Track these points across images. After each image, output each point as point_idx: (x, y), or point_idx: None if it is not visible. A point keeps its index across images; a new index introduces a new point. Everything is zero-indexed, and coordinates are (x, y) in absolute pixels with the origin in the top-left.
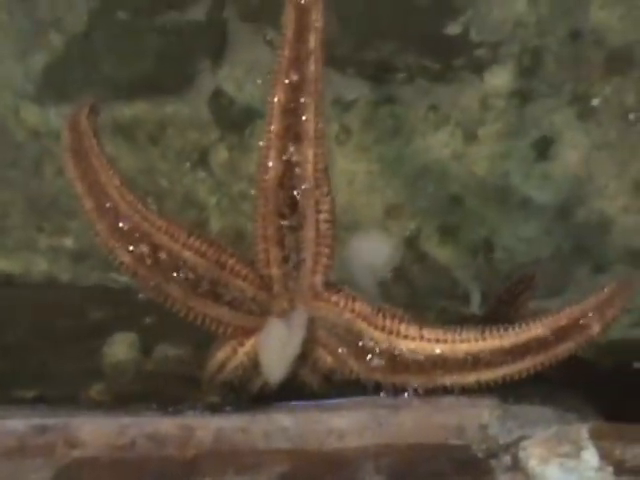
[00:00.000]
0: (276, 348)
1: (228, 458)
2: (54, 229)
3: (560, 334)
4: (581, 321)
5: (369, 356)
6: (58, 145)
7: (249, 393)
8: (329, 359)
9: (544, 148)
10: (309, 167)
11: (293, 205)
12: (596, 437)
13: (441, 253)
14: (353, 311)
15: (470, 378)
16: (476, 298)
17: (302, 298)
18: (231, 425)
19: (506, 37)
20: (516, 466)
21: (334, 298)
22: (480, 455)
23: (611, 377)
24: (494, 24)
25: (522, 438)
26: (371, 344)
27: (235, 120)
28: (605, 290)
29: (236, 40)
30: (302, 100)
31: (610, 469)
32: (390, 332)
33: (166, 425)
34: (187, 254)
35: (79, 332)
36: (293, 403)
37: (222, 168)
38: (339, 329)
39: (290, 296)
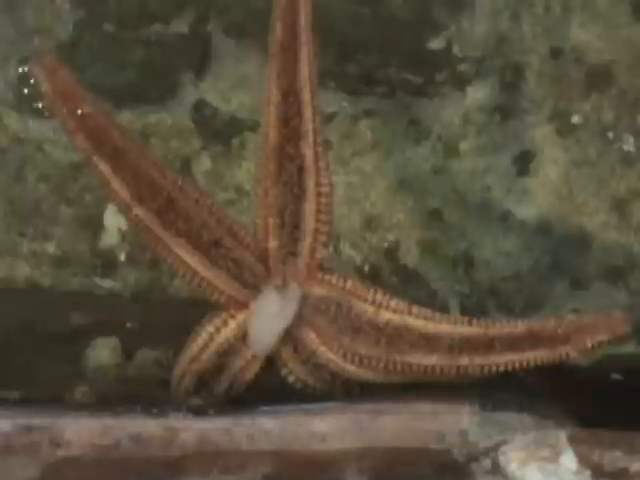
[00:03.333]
0: (267, 318)
1: (212, 459)
2: (36, 234)
3: (540, 340)
4: (561, 337)
5: (357, 330)
6: (39, 151)
7: (216, 394)
8: (314, 339)
9: (525, 163)
10: (309, 138)
11: (294, 176)
12: (574, 442)
13: (420, 266)
14: (345, 288)
15: (449, 361)
16: (455, 310)
17: (297, 275)
18: (215, 427)
19: (489, 53)
20: (496, 470)
21: (327, 277)
22: (460, 459)
23: (589, 387)
24: (477, 40)
25: (502, 443)
26: (360, 318)
27: (219, 130)
28: (597, 316)
29: (220, 53)
30: (298, 78)
31: (588, 472)
32: (380, 306)
33: (150, 426)
34: (196, 209)
35: (62, 336)
36: (277, 407)
37: (206, 177)
38: (330, 307)
39: (285, 272)
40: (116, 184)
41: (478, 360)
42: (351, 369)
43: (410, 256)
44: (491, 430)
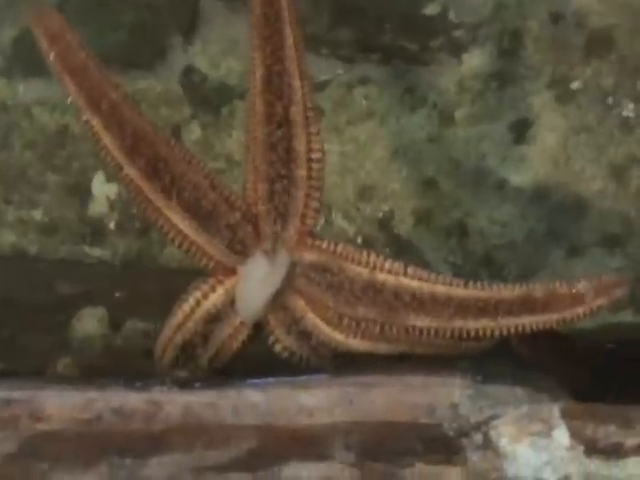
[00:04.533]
0: (255, 283)
1: (196, 433)
2: (22, 201)
3: (536, 305)
4: (558, 302)
5: (352, 294)
6: (26, 118)
7: (201, 364)
8: (303, 306)
9: (522, 131)
10: (299, 106)
11: (283, 142)
12: (567, 416)
13: (414, 234)
14: (337, 252)
15: (443, 323)
16: None
17: (287, 241)
18: (200, 400)
19: (486, 18)
20: (487, 445)
21: (318, 242)
22: (451, 434)
23: (584, 357)
24: (474, 5)
25: (493, 417)
26: (355, 281)
27: (208, 97)
28: (594, 280)
29: (209, 16)
30: (282, 45)
31: (581, 448)
32: (374, 267)
33: (133, 400)
34: (188, 172)
35: (47, 306)
36: (264, 380)
37: (196, 146)
38: (322, 273)
39: (275, 238)
40: (108, 140)
41: (472, 323)
42: (339, 338)
43: (404, 226)
44: (483, 403)
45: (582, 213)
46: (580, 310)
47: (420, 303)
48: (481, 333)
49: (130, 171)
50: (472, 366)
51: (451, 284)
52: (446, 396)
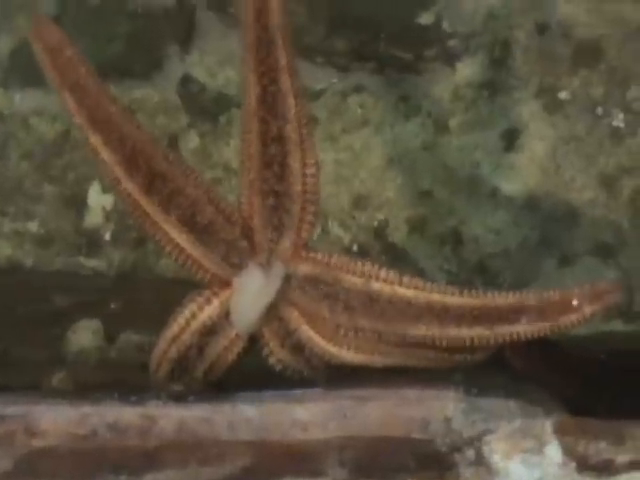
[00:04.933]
0: (250, 295)
1: (191, 449)
2: (18, 213)
3: (531, 313)
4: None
5: (348, 305)
6: (23, 129)
7: (195, 377)
8: (297, 317)
9: (512, 140)
10: (293, 123)
11: (278, 157)
12: (560, 432)
13: (408, 242)
14: (331, 264)
15: (439, 331)
16: None
17: (282, 254)
18: (194, 415)
19: (478, 28)
20: (480, 461)
21: (312, 255)
22: (444, 449)
23: (576, 368)
24: (466, 15)
25: (486, 432)
26: (351, 292)
27: (206, 107)
28: (588, 286)
29: (205, 28)
30: (276, 59)
31: (573, 465)
32: (369, 276)
33: (128, 414)
34: (186, 186)
35: (42, 318)
36: (258, 393)
37: (193, 155)
38: (317, 285)
39: (270, 250)
40: (106, 155)
41: (467, 331)
42: (333, 350)
43: (399, 234)
44: (476, 417)
45: (574, 222)
46: (574, 317)
47: (415, 312)
48: (476, 341)
49: (128, 185)
50: (465, 379)
51: (446, 292)
52: (440, 410)
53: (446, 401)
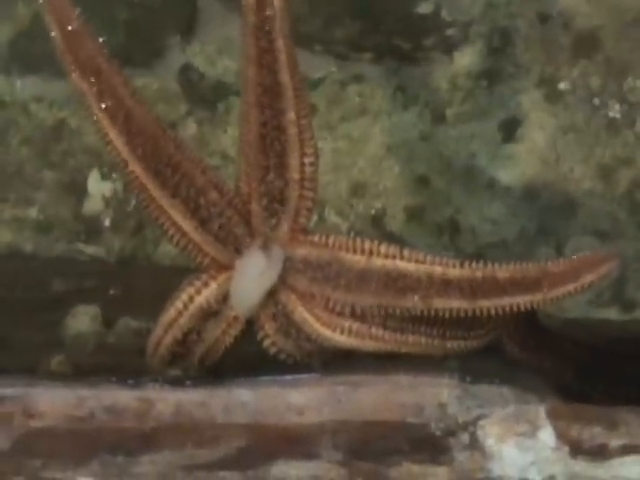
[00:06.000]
0: (251, 277)
1: (187, 432)
2: (18, 199)
3: (528, 283)
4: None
5: (346, 283)
6: (24, 115)
7: (192, 362)
8: (294, 300)
9: (511, 130)
10: (292, 115)
11: (277, 147)
12: (553, 417)
13: (406, 231)
14: (329, 244)
15: (442, 304)
16: None
17: (280, 238)
18: (191, 399)
19: (477, 17)
20: (474, 445)
21: (309, 237)
22: (438, 433)
23: (573, 355)
24: (465, 4)
25: (480, 417)
26: (353, 270)
27: (205, 95)
28: (584, 257)
29: (207, 16)
30: (275, 53)
31: (566, 449)
32: (370, 253)
33: (125, 397)
34: (192, 170)
35: (41, 303)
36: (254, 378)
37: (191, 142)
38: (316, 267)
39: (268, 235)
40: (114, 136)
41: (468, 303)
42: (326, 333)
43: (396, 223)
44: (470, 403)
45: (571, 212)
46: (572, 287)
47: (417, 285)
48: (477, 313)
49: (135, 168)
50: (460, 366)
51: (447, 265)
52: (434, 396)
53: (440, 387)
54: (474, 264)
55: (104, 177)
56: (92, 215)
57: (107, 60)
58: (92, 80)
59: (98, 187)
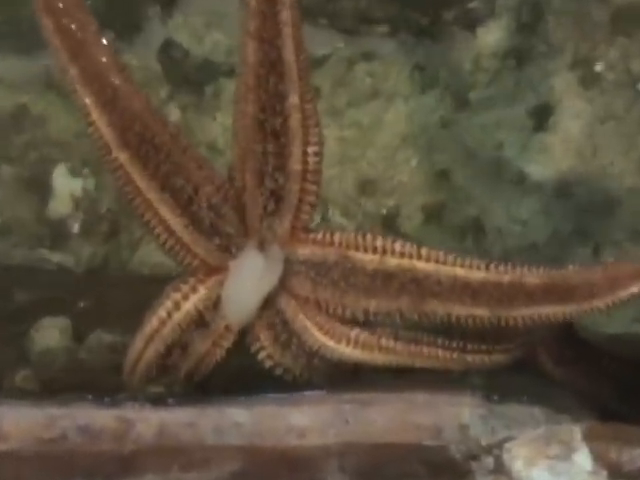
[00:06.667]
0: (247, 281)
1: (172, 454)
2: None
3: (565, 292)
4: (580, 289)
5: (356, 286)
6: None
7: (178, 379)
8: (294, 306)
9: (543, 117)
10: (295, 98)
11: (278, 135)
12: (590, 438)
13: (424, 234)
14: (334, 242)
15: (463, 310)
16: None
17: (279, 237)
18: (176, 419)
19: None
20: (499, 469)
21: (312, 236)
22: (458, 457)
23: (612, 371)
24: None
25: (507, 439)
26: (361, 269)
27: (190, 76)
28: (618, 265)
29: None
30: (279, 26)
31: (604, 473)
32: (384, 252)
33: (102, 417)
34: (184, 161)
35: (3, 315)
36: (248, 396)
37: None
38: (320, 268)
39: (266, 233)
40: (97, 116)
41: (490, 310)
42: (331, 345)
43: (412, 224)
44: (496, 424)
45: (610, 211)
46: (609, 298)
47: (437, 289)
48: (502, 323)
49: (120, 155)
50: (485, 383)
51: (471, 267)
52: (454, 416)
53: (461, 407)
54: (501, 267)
55: (73, 173)
56: (58, 218)
57: (93, 28)
58: (75, 51)
59: (65, 185)
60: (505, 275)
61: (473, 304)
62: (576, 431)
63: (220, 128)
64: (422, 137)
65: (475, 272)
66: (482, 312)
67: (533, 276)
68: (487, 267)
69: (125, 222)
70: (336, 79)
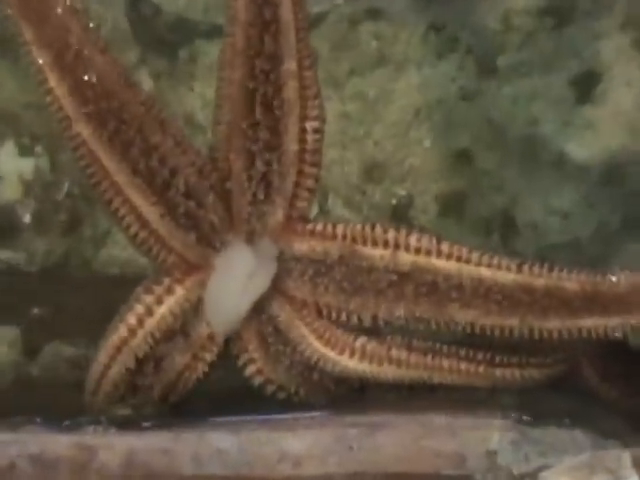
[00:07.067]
0: (233, 282)
1: None
2: None
3: (607, 302)
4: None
5: (364, 286)
6: None
7: (150, 399)
8: (289, 312)
9: (587, 87)
10: (293, 63)
11: (271, 107)
12: None
13: (441, 228)
14: (337, 236)
15: (492, 320)
16: None
17: (272, 229)
18: (148, 445)
19: None
20: None
21: (310, 228)
22: None
23: None
24: None
25: (543, 467)
26: (369, 268)
27: (162, 37)
28: None
29: None
30: None
31: None
32: (396, 246)
33: (58, 444)
34: (161, 139)
35: None
36: (234, 418)
37: None
38: (319, 266)
39: (255, 224)
40: (55, 81)
41: (521, 320)
42: (332, 356)
43: (427, 217)
44: (529, 450)
45: None
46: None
47: (458, 291)
48: (536, 335)
49: (83, 130)
50: (516, 402)
51: (499, 267)
52: (480, 441)
53: (488, 430)
54: (535, 268)
55: (22, 151)
56: (4, 205)
57: None
58: (29, 6)
59: (13, 166)
60: (539, 278)
61: (500, 312)
62: (625, 457)
63: (198, 100)
64: (439, 111)
65: (504, 274)
66: (511, 322)
67: (573, 281)
68: (518, 268)
69: (88, 211)
70: (336, 42)
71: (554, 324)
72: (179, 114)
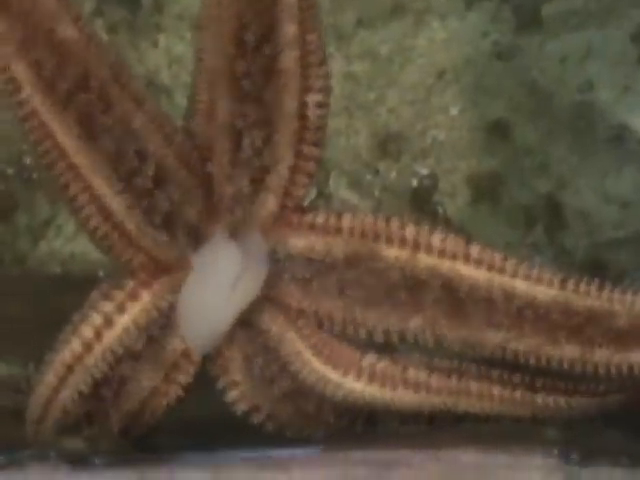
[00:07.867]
0: (214, 286)
1: None
2: None
3: None
4: None
5: (369, 290)
6: None
7: (109, 430)
8: (281, 326)
9: None
10: (292, 22)
11: (264, 74)
12: None
13: (472, 218)
14: (342, 230)
15: (518, 343)
16: None
17: (262, 221)
18: None
19: None
20: None
21: (309, 219)
22: None
23: None
24: None
25: None
26: (379, 269)
27: None
28: None
29: None
30: None
31: None
32: (416, 246)
33: None
34: (131, 107)
35: None
36: (212, 454)
37: None
38: (318, 267)
39: (241, 215)
40: None
41: (559, 347)
42: (334, 378)
43: (454, 204)
44: None
45: None
46: None
47: (487, 306)
48: (578, 367)
49: (34, 96)
50: (563, 437)
51: (539, 280)
52: None
53: (529, 471)
54: (582, 285)
55: None
56: None
57: None
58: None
59: None
60: (587, 298)
61: (536, 336)
62: None
63: (164, 56)
64: (468, 73)
65: (544, 290)
66: (549, 350)
67: (627, 302)
68: (561, 284)
69: (25, 196)
70: None
71: (600, 356)
72: (140, 73)
